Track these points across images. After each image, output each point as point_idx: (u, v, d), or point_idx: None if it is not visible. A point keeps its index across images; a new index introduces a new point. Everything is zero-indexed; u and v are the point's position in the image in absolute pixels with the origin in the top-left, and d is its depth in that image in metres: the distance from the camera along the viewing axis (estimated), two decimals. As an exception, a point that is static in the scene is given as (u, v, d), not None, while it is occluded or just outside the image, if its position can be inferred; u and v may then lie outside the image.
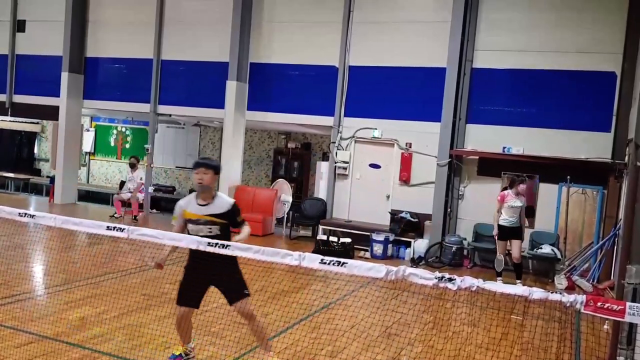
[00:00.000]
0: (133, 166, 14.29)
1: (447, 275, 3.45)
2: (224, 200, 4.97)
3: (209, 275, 4.90)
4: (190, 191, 18.31)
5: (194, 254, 4.78)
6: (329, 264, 3.73)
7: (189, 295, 5.03)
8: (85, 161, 20.74)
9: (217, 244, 4.03)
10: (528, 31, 11.49)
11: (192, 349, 5.31)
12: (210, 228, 4.85)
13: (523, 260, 11.33)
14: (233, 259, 4.76)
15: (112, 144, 20.68)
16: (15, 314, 6.24)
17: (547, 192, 11.29)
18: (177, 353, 5.24)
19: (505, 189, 10.17)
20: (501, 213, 9.62)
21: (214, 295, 7.67)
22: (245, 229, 4.96)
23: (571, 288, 9.77)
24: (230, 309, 5.12)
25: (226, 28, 13.79)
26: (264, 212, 13.30)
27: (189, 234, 4.85)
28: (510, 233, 9.60)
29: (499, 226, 9.64)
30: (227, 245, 4.04)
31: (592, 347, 6.63)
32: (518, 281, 9.52)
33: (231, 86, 13.67)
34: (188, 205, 4.99)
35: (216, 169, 4.98)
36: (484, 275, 10.17)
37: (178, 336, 5.23)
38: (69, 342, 5.53)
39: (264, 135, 18.16)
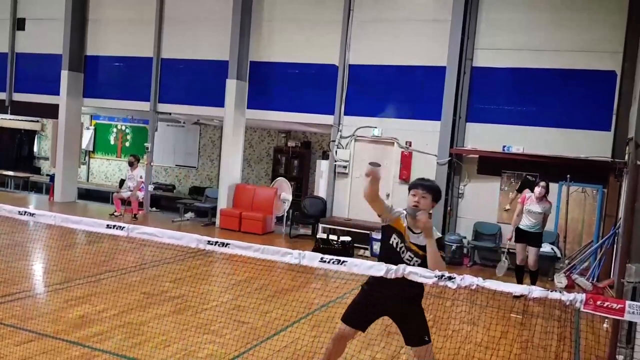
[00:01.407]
0: (132, 165, 14.29)
1: (446, 274, 3.45)
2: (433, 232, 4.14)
3: (389, 305, 4.23)
4: (191, 190, 18.36)
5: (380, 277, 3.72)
6: (328, 262, 3.73)
7: (362, 315, 4.35)
8: (85, 159, 20.72)
9: (216, 242, 4.02)
10: (528, 30, 11.49)
11: None
12: (410, 256, 4.16)
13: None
14: (419, 297, 4.25)
15: (112, 142, 20.67)
16: (15, 312, 6.24)
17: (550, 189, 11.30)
18: None
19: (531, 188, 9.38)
20: (521, 217, 9.02)
21: (213, 294, 7.70)
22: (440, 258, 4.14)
23: (571, 287, 9.78)
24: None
25: (226, 26, 13.78)
26: (264, 211, 13.31)
27: (386, 244, 4.29)
28: (526, 237, 8.99)
29: (517, 229, 9.05)
30: (227, 244, 4.03)
31: (592, 345, 6.64)
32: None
33: (231, 85, 13.66)
34: (404, 219, 4.30)
35: (435, 195, 4.31)
36: (484, 274, 10.18)
37: (326, 355, 4.55)
38: (69, 340, 5.53)
39: (263, 133, 18.15)
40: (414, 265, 4.05)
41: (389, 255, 4.18)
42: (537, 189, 8.90)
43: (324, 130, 14.54)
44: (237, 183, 14.22)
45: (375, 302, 4.25)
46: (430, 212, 4.25)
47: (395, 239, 4.26)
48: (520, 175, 11.52)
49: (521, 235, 9.04)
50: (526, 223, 8.97)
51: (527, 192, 9.23)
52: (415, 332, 4.22)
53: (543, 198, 8.90)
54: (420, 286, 3.98)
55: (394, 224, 4.31)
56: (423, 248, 4.11)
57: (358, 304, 4.38)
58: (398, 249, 4.19)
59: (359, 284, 8.80)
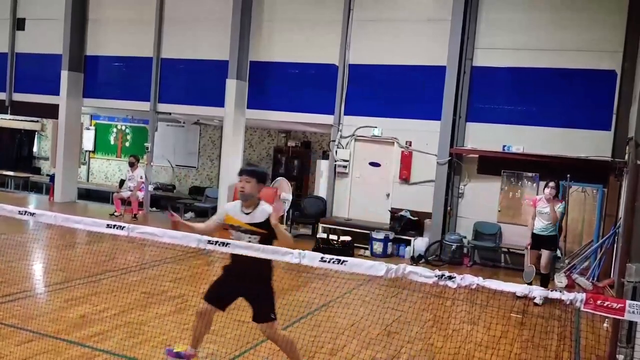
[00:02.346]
0: (132, 165, 14.30)
1: (446, 274, 3.45)
2: (264, 210, 4.66)
3: (241, 285, 4.69)
4: (191, 190, 18.35)
5: (236, 257, 4.51)
6: (329, 262, 3.73)
7: (218, 294, 4.86)
8: (85, 159, 20.72)
9: (216, 241, 4.03)
10: (528, 30, 11.49)
11: (194, 354, 5.05)
12: (249, 237, 4.61)
13: (524, 259, 11.41)
14: (268, 279, 4.71)
15: (112, 142, 20.66)
16: (15, 312, 6.24)
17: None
18: (176, 350, 5.10)
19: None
20: (536, 220, 8.83)
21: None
22: (288, 234, 4.74)
23: (571, 286, 9.77)
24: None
25: (226, 26, 13.78)
26: (264, 211, 13.29)
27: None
28: (540, 242, 8.81)
29: (532, 234, 8.90)
30: (227, 244, 4.03)
31: (592, 345, 6.64)
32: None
33: (231, 84, 13.66)
34: (233, 209, 4.79)
35: (259, 178, 4.72)
36: (484, 274, 10.18)
37: (191, 335, 5.04)
38: (69, 340, 5.53)
39: (263, 133, 18.15)
40: (254, 243, 4.45)
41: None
42: (546, 190, 8.71)
43: (324, 130, 14.54)
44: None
45: (231, 282, 4.77)
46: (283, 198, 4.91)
47: (231, 232, 4.75)
48: (520, 175, 11.52)
49: (535, 241, 8.84)
50: (538, 225, 8.78)
51: (539, 195, 9.03)
52: (263, 309, 4.69)
53: (554, 199, 8.70)
54: (268, 267, 4.59)
55: (227, 222, 4.78)
56: (258, 225, 4.60)
57: (219, 282, 4.91)
58: (236, 236, 4.66)
59: (359, 283, 8.82)
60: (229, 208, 4.86)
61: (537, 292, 3.42)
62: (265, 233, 4.56)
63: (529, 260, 8.94)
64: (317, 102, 13.19)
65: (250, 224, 4.63)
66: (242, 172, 4.73)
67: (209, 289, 4.92)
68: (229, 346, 5.65)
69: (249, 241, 4.52)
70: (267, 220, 4.56)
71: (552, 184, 8.73)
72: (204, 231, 4.72)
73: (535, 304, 8.33)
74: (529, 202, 9.10)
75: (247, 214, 4.67)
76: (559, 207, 8.78)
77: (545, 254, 8.77)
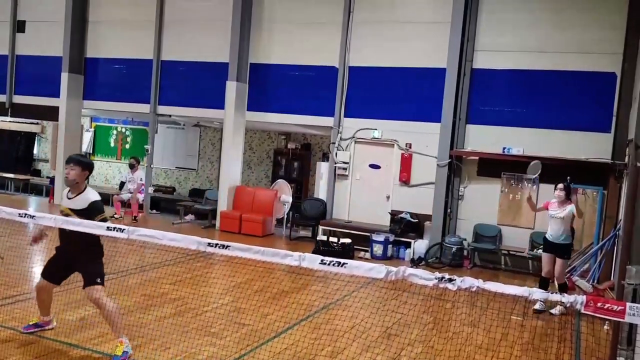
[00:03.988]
0: (132, 167, 14.30)
1: (447, 276, 3.46)
2: (87, 197, 5.22)
3: (71, 259, 5.31)
4: (191, 192, 18.36)
5: (63, 237, 5.29)
6: (329, 264, 3.73)
7: (53, 270, 5.49)
8: (85, 162, 20.69)
9: (217, 244, 4.03)
10: (528, 31, 11.50)
11: (49, 321, 5.72)
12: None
13: (525, 261, 11.40)
14: (92, 252, 5.25)
15: (112, 144, 20.67)
16: (15, 315, 6.23)
17: (547, 193, 11.27)
18: (32, 323, 5.67)
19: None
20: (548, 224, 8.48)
21: (213, 296, 7.70)
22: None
23: (571, 288, 9.75)
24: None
25: (226, 28, 13.79)
26: (264, 213, 13.30)
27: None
28: (552, 248, 8.37)
29: (543, 238, 8.61)
30: (227, 246, 4.03)
31: (592, 347, 6.64)
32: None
33: (231, 87, 13.67)
34: (62, 198, 5.39)
35: (84, 165, 5.27)
36: (484, 276, 10.18)
37: (39, 307, 5.65)
38: (69, 343, 5.52)
39: (264, 135, 18.16)
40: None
41: (60, 230, 5.17)
42: (555, 192, 8.34)
43: (324, 132, 14.54)
44: (237, 185, 14.22)
45: (64, 257, 5.37)
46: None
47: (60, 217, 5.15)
48: (520, 177, 11.51)
49: (547, 246, 8.45)
50: (550, 232, 8.38)
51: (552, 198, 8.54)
52: (89, 274, 5.24)
53: (565, 201, 8.27)
54: (85, 241, 4.96)
55: (59, 208, 5.45)
56: (77, 211, 5.14)
57: (52, 260, 5.53)
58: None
59: (359, 286, 8.81)
60: (63, 194, 5.41)
61: (538, 294, 3.42)
62: (83, 216, 5.05)
63: (544, 265, 8.48)
64: (317, 104, 13.20)
65: (70, 209, 5.21)
66: (68, 161, 5.30)
67: (45, 267, 5.60)
68: (228, 349, 5.64)
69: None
70: (86, 209, 5.12)
71: (560, 185, 8.35)
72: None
73: (551, 314, 8.10)
74: (543, 205, 8.68)
75: (69, 198, 5.26)
76: (572, 209, 8.24)
77: (558, 262, 8.29)
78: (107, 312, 5.20)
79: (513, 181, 11.64)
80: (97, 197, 5.28)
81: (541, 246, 10.43)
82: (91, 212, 5.12)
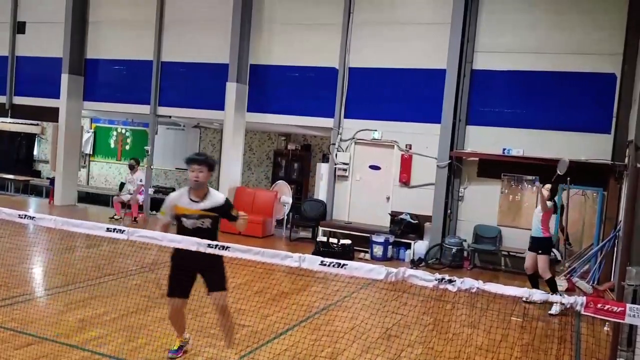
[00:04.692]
0: (132, 168, 14.30)
1: (447, 277, 3.45)
2: (217, 197, 5.09)
3: (194, 264, 4.94)
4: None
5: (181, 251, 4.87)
6: (329, 265, 3.73)
7: (179, 286, 5.11)
8: (85, 163, 20.73)
9: (217, 245, 4.03)
10: (528, 32, 11.50)
11: (187, 339, 5.48)
12: (203, 221, 4.99)
13: (524, 262, 11.38)
14: (218, 260, 4.96)
15: (112, 145, 20.67)
16: (15, 316, 6.23)
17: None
18: (176, 347, 5.33)
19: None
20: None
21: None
22: (241, 221, 5.18)
23: (571, 290, 9.75)
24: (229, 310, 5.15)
25: (226, 30, 13.79)
26: (264, 214, 13.30)
27: (180, 225, 5.04)
28: (532, 243, 8.72)
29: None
30: (227, 247, 4.03)
31: (592, 348, 6.63)
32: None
33: (231, 88, 13.67)
34: (180, 199, 5.05)
35: (211, 166, 5.04)
36: (484, 277, 10.17)
37: (174, 330, 5.40)
38: (69, 344, 5.52)
39: (264, 136, 18.16)
40: (206, 226, 5.00)
41: (186, 232, 4.85)
42: (543, 192, 8.52)
43: (324, 133, 14.54)
44: (237, 186, 14.22)
45: (185, 265, 4.98)
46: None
47: (184, 220, 5.02)
48: (520, 178, 11.52)
49: (530, 243, 8.80)
50: (533, 227, 8.72)
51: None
52: (217, 280, 5.06)
53: (547, 199, 8.52)
54: (214, 234, 4.94)
55: (177, 213, 5.06)
56: (209, 209, 5.00)
57: (174, 275, 5.14)
58: (190, 224, 4.98)
59: (359, 287, 8.79)
60: (174, 199, 5.12)
61: (538, 295, 3.42)
62: (216, 216, 5.05)
63: (526, 261, 8.84)
64: (317, 105, 13.20)
65: (204, 210, 4.99)
66: (192, 162, 4.96)
67: (170, 286, 5.17)
68: (229, 350, 5.63)
69: (202, 223, 4.99)
70: (222, 207, 5.04)
71: (548, 186, 8.58)
72: (166, 226, 5.20)
73: (550, 314, 8.15)
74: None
75: (197, 201, 5.00)
76: (552, 205, 8.59)
77: (538, 258, 8.55)
78: (230, 320, 5.17)
79: (513, 182, 11.64)
80: (225, 195, 5.24)
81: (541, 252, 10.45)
82: (229, 207, 5.10)
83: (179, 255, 4.97)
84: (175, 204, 5.06)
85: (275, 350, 5.77)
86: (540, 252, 8.54)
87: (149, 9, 14.94)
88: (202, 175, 4.94)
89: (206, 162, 4.99)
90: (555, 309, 8.16)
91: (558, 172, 8.65)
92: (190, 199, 5.01)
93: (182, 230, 4.97)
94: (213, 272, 5.04)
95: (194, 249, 4.13)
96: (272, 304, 7.48)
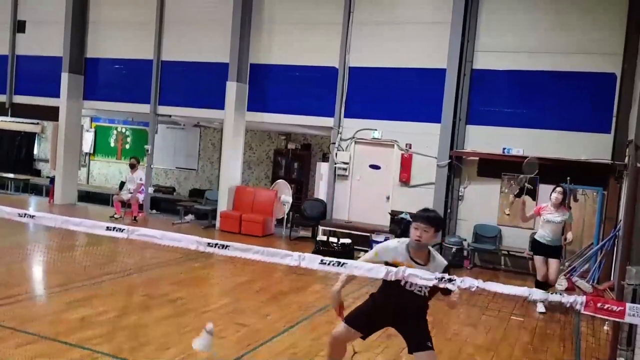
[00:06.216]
0: (133, 167, 14.30)
1: (446, 276, 3.45)
2: (439, 263, 4.32)
3: (395, 316, 4.41)
4: (191, 192, 18.37)
5: (388, 291, 4.33)
6: (328, 264, 3.73)
7: (366, 322, 4.51)
8: (85, 162, 20.73)
9: (216, 244, 4.02)
10: (528, 32, 11.50)
11: None
12: (420, 288, 4.17)
13: (525, 262, 11.39)
14: (424, 310, 4.44)
15: (112, 144, 20.68)
16: (15, 314, 6.23)
17: (547, 193, 11.26)
18: None
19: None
20: (541, 227, 8.37)
21: (213, 296, 7.70)
22: (453, 298, 4.29)
23: (571, 289, 9.76)
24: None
25: (226, 29, 13.79)
26: (264, 213, 13.30)
27: (389, 284, 4.03)
28: (546, 250, 8.24)
29: (534, 240, 8.43)
30: (227, 246, 4.03)
31: (592, 347, 6.64)
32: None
33: (231, 87, 13.67)
34: (401, 255, 4.28)
35: (439, 226, 4.31)
36: (484, 276, 10.16)
37: (327, 356, 4.74)
38: (69, 343, 5.52)
39: (264, 136, 18.16)
40: (424, 294, 4.23)
41: (392, 292, 4.28)
42: (553, 195, 8.16)
43: (324, 133, 14.54)
44: (237, 185, 14.22)
45: (385, 312, 4.40)
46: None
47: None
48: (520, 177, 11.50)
49: (541, 249, 8.28)
50: (544, 235, 8.21)
51: (545, 203, 8.44)
52: (420, 337, 4.34)
53: (560, 205, 8.15)
54: (426, 301, 4.24)
55: (392, 263, 4.20)
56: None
57: (367, 309, 4.55)
58: (403, 284, 4.12)
59: (359, 286, 8.80)
60: (392, 251, 4.34)
61: (538, 294, 3.42)
62: (436, 289, 4.07)
63: (539, 268, 8.31)
64: (317, 105, 13.20)
65: None
66: (419, 219, 4.26)
67: (355, 313, 4.58)
68: (229, 349, 5.64)
69: (419, 291, 4.21)
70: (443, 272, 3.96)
71: (559, 188, 8.22)
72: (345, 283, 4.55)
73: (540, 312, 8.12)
74: (534, 212, 8.51)
75: (420, 264, 4.21)
76: (568, 217, 8.17)
77: (553, 262, 8.19)
78: None
79: (513, 182, 11.63)
80: (446, 263, 4.42)
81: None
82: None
83: (381, 299, 4.47)
84: (394, 256, 4.26)
85: (275, 349, 5.77)
86: (560, 257, 8.28)
87: (149, 8, 14.93)
88: (426, 236, 4.20)
89: (435, 222, 4.25)
90: (542, 307, 8.16)
91: (526, 174, 8.30)
92: (412, 258, 4.24)
93: (388, 290, 4.35)
94: (412, 327, 4.40)
95: (193, 247, 4.12)
96: (272, 303, 7.48)
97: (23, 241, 10.32)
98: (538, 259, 8.34)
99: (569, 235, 8.17)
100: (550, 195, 8.30)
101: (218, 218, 13.74)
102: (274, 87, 13.77)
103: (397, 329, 4.50)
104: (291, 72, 13.52)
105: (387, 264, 4.13)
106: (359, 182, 12.99)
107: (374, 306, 4.52)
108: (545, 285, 8.29)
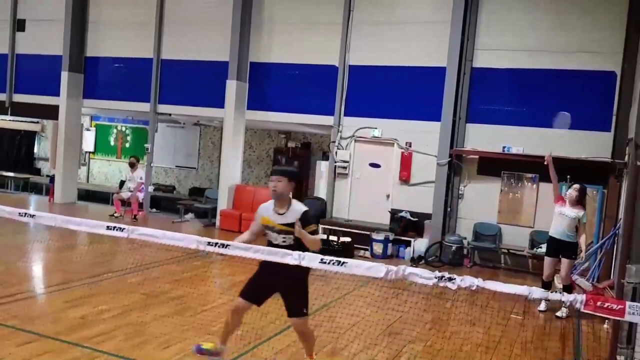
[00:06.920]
0: (133, 165, 14.30)
1: (447, 275, 3.46)
2: (297, 209, 4.71)
3: (278, 281, 4.73)
4: (191, 191, 18.36)
5: (270, 266, 4.54)
6: (328, 263, 3.74)
7: (255, 289, 4.92)
8: (85, 160, 20.73)
9: (216, 243, 4.03)
10: (528, 30, 11.49)
11: (222, 351, 5.11)
12: (284, 237, 4.69)
13: (524, 260, 11.40)
14: (304, 275, 4.76)
15: (112, 143, 20.68)
16: (15, 313, 6.24)
17: (547, 192, 11.27)
18: (205, 347, 5.10)
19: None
20: (553, 221, 8.12)
21: (213, 295, 7.70)
22: (315, 237, 4.71)
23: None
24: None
25: (226, 27, 13.78)
26: (264, 212, 13.27)
27: (268, 241, 4.78)
28: (558, 247, 8.02)
29: (549, 238, 8.18)
30: (227, 245, 4.03)
31: (592, 346, 6.65)
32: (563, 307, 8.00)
33: (231, 85, 13.67)
34: (267, 211, 4.83)
35: (291, 176, 4.78)
36: (484, 275, 10.18)
37: (221, 331, 5.14)
38: (69, 341, 5.52)
39: (263, 134, 18.16)
40: (288, 243, 4.63)
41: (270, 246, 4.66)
42: (569, 191, 8.05)
43: (324, 131, 14.54)
44: (237, 184, 14.22)
45: (269, 277, 4.75)
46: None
47: (269, 233, 4.81)
48: (520, 176, 11.52)
49: (553, 245, 8.09)
50: (557, 228, 8.00)
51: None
52: (296, 305, 4.80)
53: (577, 204, 7.96)
54: (305, 269, 4.35)
55: (263, 223, 4.85)
56: (291, 225, 4.61)
57: (255, 278, 4.94)
58: (274, 238, 4.73)
59: (359, 285, 8.79)
60: (262, 209, 4.90)
61: (538, 293, 3.43)
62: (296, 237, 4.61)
63: (546, 268, 8.22)
64: (317, 103, 13.19)
65: (284, 224, 4.68)
66: (272, 173, 4.82)
67: (245, 286, 4.97)
68: (229, 348, 5.63)
69: (284, 241, 4.67)
70: (300, 219, 4.61)
71: (576, 185, 8.07)
72: (249, 240, 4.82)
73: (557, 317, 7.99)
74: (555, 193, 8.25)
75: (280, 214, 4.72)
76: (582, 215, 7.96)
77: (564, 262, 7.98)
78: (310, 340, 5.06)
79: (513, 180, 11.64)
80: (306, 208, 4.79)
81: (541, 245, 10.44)
82: (305, 220, 4.62)
83: (266, 263, 4.64)
84: (262, 214, 4.85)
85: (276, 347, 5.78)
86: (572, 256, 8.01)
87: (149, 6, 14.92)
88: (280, 186, 4.68)
89: (285, 172, 4.78)
90: (564, 312, 8.05)
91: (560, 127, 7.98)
92: (275, 211, 4.76)
93: (268, 243, 4.73)
94: (293, 296, 4.80)
95: (193, 246, 4.13)
96: (272, 302, 7.45)
97: (23, 240, 10.32)
98: (547, 259, 8.25)
99: (581, 240, 7.97)
100: (567, 191, 8.22)
101: (218, 217, 13.74)
102: (274, 85, 13.77)
103: (281, 294, 4.85)
104: (291, 70, 13.52)
105: (265, 227, 4.79)
106: (359, 181, 12.98)
107: (258, 273, 4.91)
108: (549, 285, 8.22)
